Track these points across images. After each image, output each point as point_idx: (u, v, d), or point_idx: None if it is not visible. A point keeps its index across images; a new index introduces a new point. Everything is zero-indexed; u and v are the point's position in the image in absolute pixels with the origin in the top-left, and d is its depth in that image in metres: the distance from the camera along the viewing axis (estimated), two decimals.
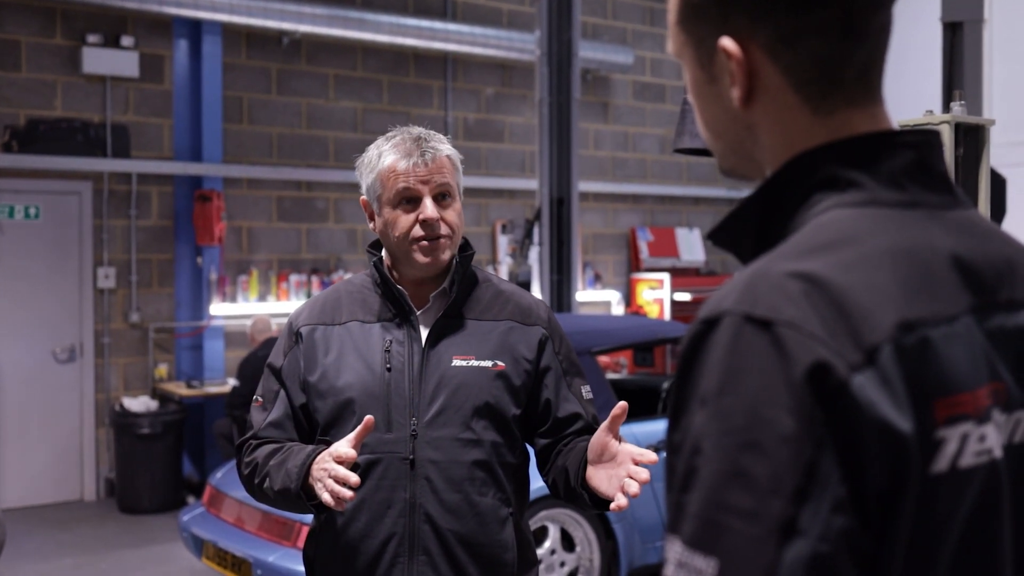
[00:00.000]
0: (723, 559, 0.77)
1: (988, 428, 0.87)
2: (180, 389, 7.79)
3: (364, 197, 2.20)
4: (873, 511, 0.79)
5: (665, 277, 10.19)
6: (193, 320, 8.18)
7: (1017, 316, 0.93)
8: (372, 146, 2.19)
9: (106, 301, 7.89)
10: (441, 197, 2.13)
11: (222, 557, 4.85)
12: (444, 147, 2.16)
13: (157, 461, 7.41)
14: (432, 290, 2.17)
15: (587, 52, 9.31)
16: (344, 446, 1.93)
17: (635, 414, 5.23)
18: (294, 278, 8.48)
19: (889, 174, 0.93)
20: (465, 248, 2.20)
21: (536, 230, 7.46)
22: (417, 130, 2.17)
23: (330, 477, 1.91)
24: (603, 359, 7.87)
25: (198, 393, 7.72)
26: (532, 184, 8.65)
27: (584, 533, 5.00)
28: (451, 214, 2.13)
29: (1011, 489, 0.90)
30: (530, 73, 8.98)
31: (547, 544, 4.92)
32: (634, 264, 10.65)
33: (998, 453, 0.88)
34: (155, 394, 7.91)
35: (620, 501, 1.90)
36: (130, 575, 6.10)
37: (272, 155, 8.57)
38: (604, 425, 1.96)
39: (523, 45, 9.16)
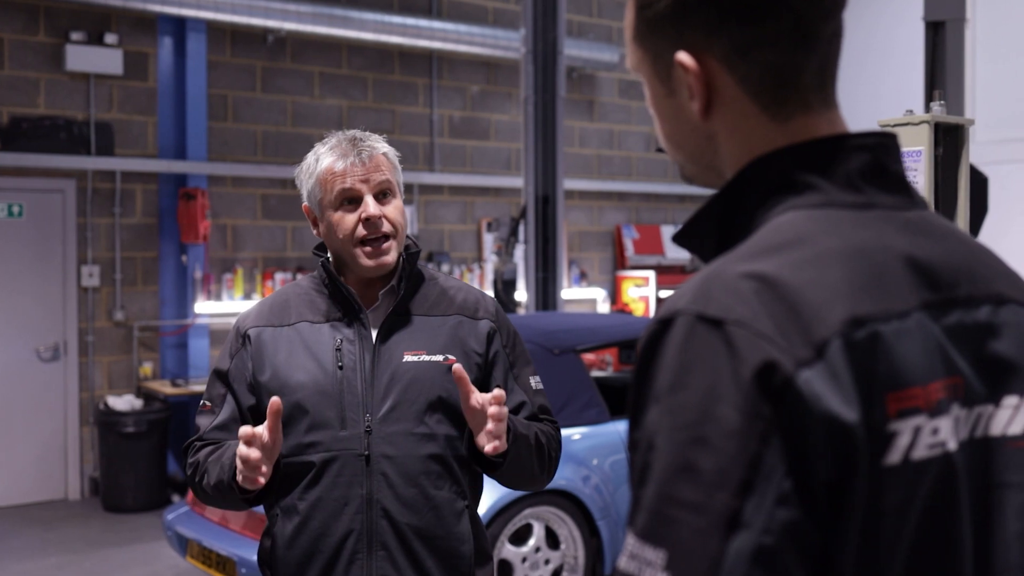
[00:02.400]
0: (671, 550, 0.79)
1: (941, 421, 0.88)
2: (165, 388, 7.76)
3: (306, 204, 2.22)
4: (822, 503, 0.81)
5: (650, 275, 10.22)
6: (178, 318, 8.15)
7: (976, 312, 0.95)
8: (310, 153, 2.21)
9: (90, 299, 7.86)
10: (382, 195, 2.16)
11: (207, 556, 4.84)
12: (381, 145, 2.19)
13: (142, 460, 7.39)
14: (380, 289, 2.20)
15: (572, 50, 9.32)
16: (248, 427, 1.96)
17: (621, 412, 5.24)
18: (279, 276, 8.46)
19: (845, 176, 0.95)
20: (410, 247, 2.23)
21: (521, 228, 7.46)
22: (352, 132, 2.20)
23: (240, 458, 1.95)
24: (588, 357, 7.88)
25: (183, 392, 7.70)
26: (517, 182, 8.66)
27: (569, 530, 5.01)
28: (392, 211, 2.15)
29: (970, 483, 0.91)
30: (515, 71, 8.98)
31: (532, 542, 4.92)
32: (619, 262, 10.67)
33: (952, 446, 0.89)
34: (140, 392, 7.89)
35: (489, 445, 2.00)
36: (114, 574, 6.08)
37: (257, 153, 8.55)
38: (461, 395, 2.03)
39: (508, 43, 9.16)
